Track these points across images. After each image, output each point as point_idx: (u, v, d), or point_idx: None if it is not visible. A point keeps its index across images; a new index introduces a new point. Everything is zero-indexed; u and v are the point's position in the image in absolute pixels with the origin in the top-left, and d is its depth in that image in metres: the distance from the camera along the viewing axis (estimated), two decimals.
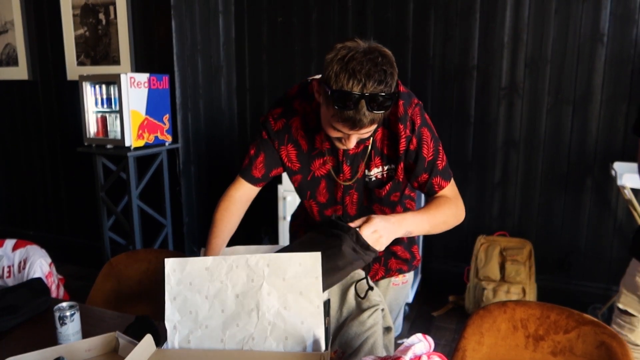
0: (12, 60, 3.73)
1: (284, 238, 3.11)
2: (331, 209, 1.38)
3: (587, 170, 2.91)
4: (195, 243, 3.47)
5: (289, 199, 3.06)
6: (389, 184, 1.32)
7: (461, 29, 3.01)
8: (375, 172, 1.31)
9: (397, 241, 1.45)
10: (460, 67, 3.06)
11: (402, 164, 1.29)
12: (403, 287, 1.55)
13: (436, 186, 1.29)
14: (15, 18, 3.63)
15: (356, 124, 1.07)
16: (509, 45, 2.95)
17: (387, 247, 1.40)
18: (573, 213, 2.97)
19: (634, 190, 2.52)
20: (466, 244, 3.18)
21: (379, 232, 1.11)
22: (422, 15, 3.05)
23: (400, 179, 1.32)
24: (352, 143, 1.17)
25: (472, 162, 3.14)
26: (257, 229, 3.55)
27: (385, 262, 1.48)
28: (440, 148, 1.30)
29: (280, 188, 3.09)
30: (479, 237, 3.08)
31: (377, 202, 1.37)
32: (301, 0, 3.40)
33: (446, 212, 1.26)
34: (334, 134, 1.16)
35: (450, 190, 1.31)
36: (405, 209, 1.46)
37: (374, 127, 1.12)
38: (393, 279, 1.51)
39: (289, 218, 3.08)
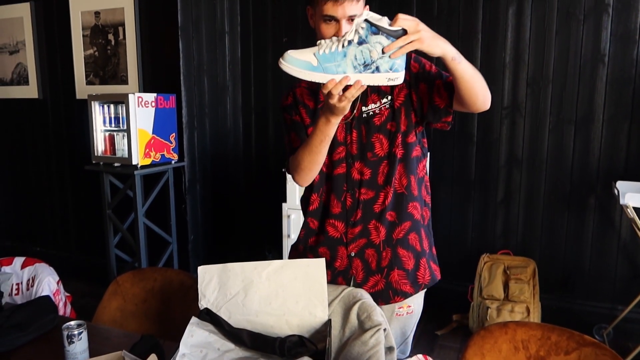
0: (22, 80, 3.80)
1: (288, 256, 3.12)
2: (337, 149, 1.43)
3: (590, 189, 2.92)
4: (200, 261, 3.49)
5: (293, 217, 3.08)
6: (386, 112, 1.40)
7: (463, 50, 3.02)
8: (372, 107, 1.41)
9: (405, 244, 1.44)
10: None
11: (403, 92, 1.38)
12: (409, 317, 1.51)
13: None
14: (26, 38, 3.72)
15: None
16: (510, 65, 2.99)
17: (392, 250, 1.42)
18: (576, 232, 2.98)
19: (636, 210, 2.52)
20: (470, 262, 3.18)
21: (423, 28, 1.13)
22: None
23: (396, 106, 1.40)
24: (344, 29, 1.26)
25: (475, 180, 3.16)
26: (261, 246, 3.57)
27: (388, 274, 1.44)
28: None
29: (285, 206, 3.11)
30: (482, 256, 3.08)
31: (375, 131, 1.41)
32: (306, 20, 3.45)
33: (482, 78, 1.27)
34: (327, 30, 1.28)
35: None
36: (405, 144, 1.43)
37: (356, 4, 1.26)
38: (397, 308, 1.47)
39: (293, 236, 3.10)
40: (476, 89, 1.25)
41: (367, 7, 1.35)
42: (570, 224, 2.99)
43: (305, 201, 1.54)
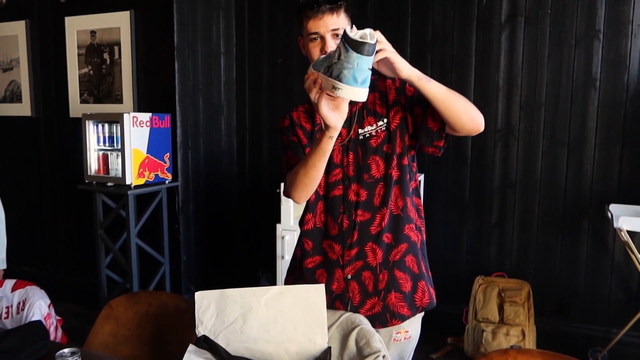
0: (15, 97, 3.78)
1: (281, 278, 3.10)
2: (333, 171, 1.45)
3: (583, 212, 2.93)
4: (192, 282, 3.45)
5: (287, 238, 3.06)
6: (383, 134, 1.42)
7: (457, 73, 3.09)
8: (369, 129, 1.43)
9: (402, 266, 1.44)
10: None
11: (398, 115, 1.41)
12: (406, 342, 1.49)
13: None
14: (20, 56, 3.71)
15: (319, 13, 1.31)
16: (503, 88, 3.03)
17: (389, 272, 1.42)
18: (571, 254, 2.98)
19: (630, 233, 2.54)
20: (464, 284, 3.17)
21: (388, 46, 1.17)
22: (419, 59, 3.13)
23: (392, 128, 1.42)
24: (329, 44, 1.32)
25: (470, 202, 3.17)
26: (254, 267, 3.54)
27: (385, 297, 1.43)
28: None
29: (279, 227, 3.09)
30: (477, 278, 3.07)
31: (372, 153, 1.42)
32: None
33: (464, 98, 1.30)
34: (314, 49, 1.34)
35: None
36: (400, 166, 1.43)
37: (336, 19, 1.32)
38: (394, 333, 1.46)
39: (287, 257, 3.07)
40: (455, 109, 1.27)
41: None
42: (564, 246, 3.00)
43: (300, 220, 1.54)
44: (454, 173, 3.17)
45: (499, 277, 3.08)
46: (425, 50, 3.11)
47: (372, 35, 1.07)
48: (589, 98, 2.86)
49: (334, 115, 1.18)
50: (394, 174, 1.42)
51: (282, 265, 3.09)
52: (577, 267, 2.98)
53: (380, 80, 1.44)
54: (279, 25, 3.56)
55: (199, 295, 1.25)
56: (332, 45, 1.32)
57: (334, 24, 1.32)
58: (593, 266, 2.94)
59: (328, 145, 1.25)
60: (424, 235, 1.53)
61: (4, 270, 2.16)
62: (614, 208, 2.67)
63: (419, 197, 1.52)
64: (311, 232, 1.50)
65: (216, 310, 1.24)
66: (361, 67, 1.06)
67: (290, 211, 3.07)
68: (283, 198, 3.07)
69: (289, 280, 1.59)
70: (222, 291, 1.26)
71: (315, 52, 1.33)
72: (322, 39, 1.33)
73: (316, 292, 1.24)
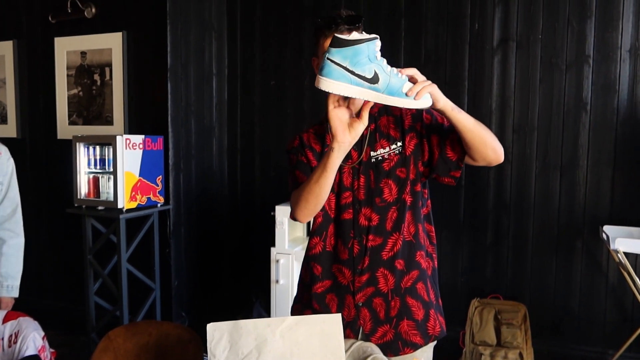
0: (1, 118, 3.69)
1: (276, 302, 3.04)
2: (343, 194, 1.42)
3: (577, 233, 2.96)
4: (183, 308, 3.36)
5: (282, 262, 3.02)
6: (396, 158, 1.40)
7: (450, 96, 3.10)
8: (382, 152, 1.41)
9: (413, 293, 1.42)
10: None
11: (414, 141, 1.40)
12: None
13: None
14: (7, 76, 3.63)
15: (337, 33, 1.24)
16: (496, 111, 3.06)
17: (401, 299, 1.40)
18: (565, 276, 3.00)
19: (626, 255, 2.56)
20: (460, 307, 3.15)
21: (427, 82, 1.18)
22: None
23: (407, 154, 1.40)
24: None
25: (464, 224, 3.17)
26: (247, 292, 3.47)
27: (397, 324, 1.41)
28: None
29: (273, 250, 3.05)
30: (473, 301, 3.06)
31: (384, 176, 1.40)
32: (294, 64, 3.50)
33: (488, 130, 1.31)
34: None
35: None
36: (414, 192, 1.42)
37: (348, 36, 1.29)
38: None
39: (282, 282, 3.03)
40: (482, 139, 1.27)
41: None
42: (558, 267, 3.01)
43: (307, 246, 1.52)
44: (448, 195, 3.18)
45: (495, 299, 3.07)
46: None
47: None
48: (580, 121, 2.91)
49: (343, 128, 1.19)
50: (408, 199, 1.41)
51: (277, 290, 3.04)
52: (572, 288, 2.99)
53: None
54: (271, 47, 3.57)
55: (211, 327, 1.21)
56: None
57: None
58: (587, 287, 2.96)
59: (331, 160, 1.23)
60: (435, 263, 1.51)
61: (15, 298, 2.11)
62: (609, 229, 2.69)
63: (431, 224, 1.50)
64: (320, 256, 1.48)
65: (229, 342, 1.20)
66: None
67: (285, 234, 3.03)
68: (278, 221, 3.03)
69: (297, 308, 1.55)
70: (235, 322, 1.21)
71: None
72: None
73: (332, 323, 1.21)
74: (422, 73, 1.22)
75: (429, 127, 1.40)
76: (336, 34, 1.16)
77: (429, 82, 1.18)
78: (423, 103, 1.17)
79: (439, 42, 3.12)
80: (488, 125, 3.03)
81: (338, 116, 1.19)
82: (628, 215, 2.83)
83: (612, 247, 2.48)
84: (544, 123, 2.98)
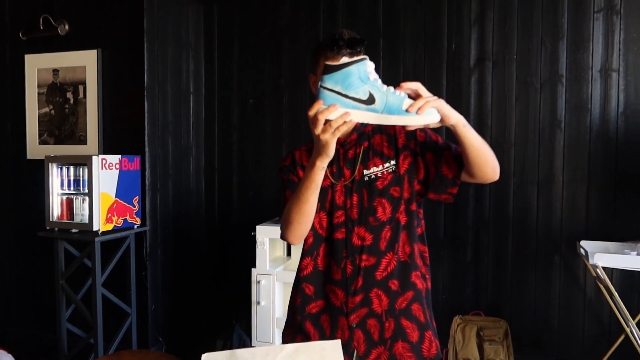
0: None
1: (258, 325, 2.97)
2: (336, 213, 1.40)
3: (554, 249, 3.01)
4: (160, 333, 3.24)
5: (263, 283, 2.96)
6: (390, 176, 1.39)
7: None
8: (375, 170, 1.39)
9: (408, 314, 1.40)
10: None
11: (408, 159, 1.39)
12: None
13: None
14: None
15: (339, 56, 1.30)
16: (475, 129, 3.10)
17: (395, 320, 1.38)
18: (544, 291, 3.03)
19: (605, 270, 2.61)
20: (442, 324, 3.12)
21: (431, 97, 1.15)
22: None
23: (401, 172, 1.39)
24: None
25: (445, 241, 3.19)
26: (228, 314, 3.39)
27: (391, 346, 1.38)
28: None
29: (254, 271, 2.99)
30: (455, 318, 3.06)
31: (378, 195, 1.37)
32: (272, 82, 3.49)
33: (489, 148, 1.30)
34: None
35: None
36: (409, 212, 1.41)
37: (349, 59, 1.26)
38: None
39: (263, 303, 2.96)
40: (486, 158, 1.27)
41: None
42: (537, 282, 3.05)
43: (298, 267, 1.48)
44: (428, 212, 3.18)
45: (476, 315, 3.08)
46: None
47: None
48: (555, 139, 2.98)
49: (333, 142, 1.17)
50: (402, 218, 1.40)
51: (258, 312, 2.97)
52: (551, 303, 3.03)
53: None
54: (249, 64, 3.55)
55: (205, 358, 1.15)
56: None
57: None
58: (566, 302, 3.00)
59: (318, 175, 1.23)
60: (429, 284, 1.49)
61: None
62: (586, 245, 2.75)
63: (425, 244, 1.49)
64: (311, 277, 1.45)
65: None
66: None
67: (266, 254, 2.98)
68: (259, 241, 2.98)
69: (288, 333, 1.51)
70: (231, 352, 1.16)
71: None
72: None
73: (332, 349, 1.17)
74: None
75: (424, 145, 1.39)
76: (327, 62, 1.15)
77: (434, 97, 1.15)
78: (428, 119, 1.13)
79: (417, 62, 3.17)
80: None
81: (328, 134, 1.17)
82: (603, 230, 2.90)
83: (591, 262, 2.53)
84: (520, 140, 3.04)
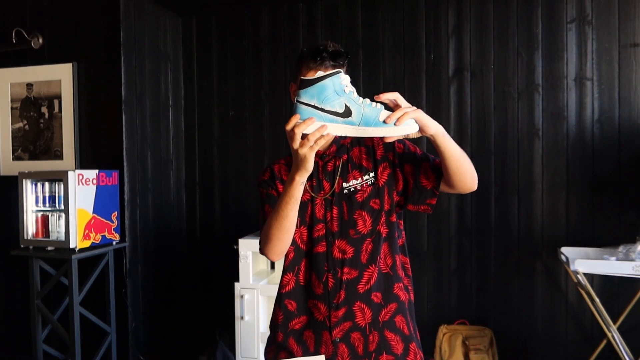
0: None
1: (242, 340, 2.92)
2: (316, 227, 1.39)
3: (536, 256, 3.03)
4: (141, 352, 3.16)
5: (247, 297, 2.91)
6: (369, 189, 1.38)
7: None
8: (354, 183, 1.39)
9: (392, 326, 1.38)
10: None
11: (387, 171, 1.39)
12: None
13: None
14: None
15: (321, 67, 1.29)
16: (455, 138, 3.09)
17: (379, 333, 1.36)
18: (527, 298, 3.05)
19: (585, 275, 2.64)
20: (427, 334, 3.14)
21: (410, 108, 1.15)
22: None
23: (380, 184, 1.38)
24: None
25: (428, 251, 3.19)
26: (211, 330, 3.32)
27: (376, 359, 1.36)
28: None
29: (237, 285, 2.94)
30: (440, 327, 3.06)
31: (358, 208, 1.36)
32: (253, 94, 3.47)
33: (468, 158, 1.31)
34: None
35: None
36: (389, 223, 1.40)
37: (330, 70, 1.25)
38: None
39: (247, 318, 2.92)
40: (465, 168, 1.28)
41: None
42: (520, 290, 3.07)
43: (279, 284, 1.46)
44: (411, 221, 3.20)
45: (462, 324, 3.08)
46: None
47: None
48: (534, 147, 3.02)
49: (311, 157, 1.16)
50: (383, 230, 1.39)
51: (242, 327, 2.92)
52: (534, 310, 3.04)
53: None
54: (229, 76, 3.53)
55: None
56: None
57: None
58: (549, 308, 3.02)
59: (296, 190, 1.22)
60: (412, 295, 1.49)
61: None
62: (567, 251, 2.78)
63: (406, 256, 1.49)
64: (293, 292, 1.43)
65: None
66: None
67: (249, 268, 2.93)
68: (241, 255, 2.94)
69: (270, 350, 1.47)
70: None
71: None
72: None
73: None
74: (381, 102, 1.20)
75: (402, 156, 1.39)
76: (302, 77, 1.17)
77: (413, 107, 1.15)
78: (406, 129, 1.13)
79: (397, 72, 3.19)
80: None
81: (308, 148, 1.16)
82: (583, 236, 2.94)
83: (572, 268, 2.55)
84: (500, 149, 3.07)
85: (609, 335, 2.68)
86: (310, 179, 1.39)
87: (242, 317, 2.92)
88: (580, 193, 2.96)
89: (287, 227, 1.27)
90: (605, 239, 2.87)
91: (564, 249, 2.81)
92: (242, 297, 2.92)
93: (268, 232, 1.31)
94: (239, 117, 3.51)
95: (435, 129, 1.18)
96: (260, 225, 1.42)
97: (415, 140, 1.28)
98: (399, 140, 1.39)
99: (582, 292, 2.76)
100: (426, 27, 3.16)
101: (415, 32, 3.17)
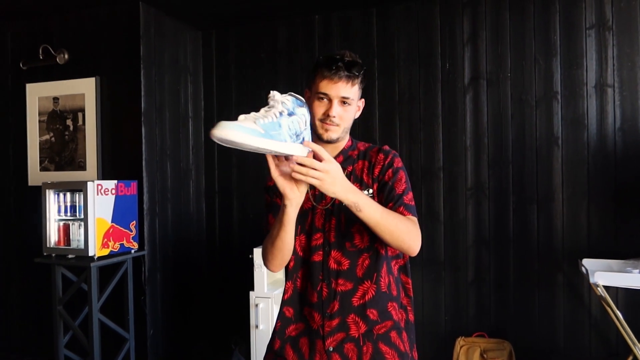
0: None
1: (256, 349, 2.94)
2: (315, 235, 1.40)
3: (557, 267, 2.95)
4: (159, 358, 3.21)
5: (261, 306, 2.93)
6: None
7: (425, 133, 3.16)
8: None
9: (387, 340, 1.37)
10: (426, 168, 3.16)
11: (375, 186, 1.39)
12: None
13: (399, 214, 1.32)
14: None
15: (335, 77, 1.30)
16: (471, 147, 3.09)
17: (374, 345, 1.35)
18: (548, 310, 2.97)
19: (606, 288, 2.55)
20: (444, 346, 3.09)
21: (332, 171, 1.14)
22: (387, 120, 3.19)
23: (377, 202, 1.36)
24: (335, 109, 1.32)
25: (445, 261, 3.14)
26: (226, 339, 3.35)
27: None
28: (411, 195, 1.39)
29: (252, 294, 2.96)
30: (457, 339, 3.00)
31: (356, 222, 1.34)
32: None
33: (401, 221, 1.28)
34: (318, 108, 1.33)
35: (412, 219, 1.34)
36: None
37: (349, 87, 1.32)
38: None
39: (262, 327, 2.93)
40: (384, 236, 1.26)
41: (363, 101, 1.43)
42: (541, 302, 2.98)
43: (284, 291, 1.48)
44: (427, 231, 3.16)
45: (480, 337, 3.02)
46: (393, 111, 3.18)
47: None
48: (553, 155, 2.95)
49: (291, 186, 1.19)
50: (381, 249, 1.39)
51: (257, 336, 2.94)
52: (556, 323, 2.95)
53: (372, 150, 1.44)
54: (247, 88, 3.59)
55: None
56: (337, 110, 1.32)
57: (345, 92, 1.32)
58: (571, 322, 2.93)
59: (287, 217, 1.24)
60: (411, 316, 1.47)
61: None
62: (588, 263, 2.69)
63: (408, 276, 1.48)
64: (291, 299, 1.45)
65: None
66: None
67: (264, 277, 2.96)
68: (256, 264, 2.96)
69: (268, 358, 1.48)
70: None
71: (319, 111, 1.33)
72: (330, 101, 1.32)
73: None
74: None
75: (383, 185, 1.39)
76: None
77: (321, 173, 1.14)
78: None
79: (412, 81, 3.18)
80: (463, 161, 3.07)
81: (282, 175, 1.18)
82: (606, 247, 2.84)
83: (592, 280, 2.47)
84: (518, 158, 3.01)
85: (635, 351, 2.57)
86: (313, 187, 1.40)
87: (257, 326, 2.94)
88: (602, 203, 2.87)
89: (282, 247, 1.31)
90: (628, 250, 2.77)
91: (585, 261, 2.72)
92: (257, 306, 2.94)
93: (266, 249, 1.35)
94: None
95: (346, 200, 1.19)
96: (264, 232, 1.44)
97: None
98: (393, 170, 1.39)
99: (606, 305, 2.66)
100: (441, 36, 3.14)
101: (430, 40, 3.16)
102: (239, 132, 1.04)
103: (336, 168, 1.15)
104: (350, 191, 1.18)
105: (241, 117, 1.10)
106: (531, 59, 2.97)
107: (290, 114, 1.15)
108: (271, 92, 1.19)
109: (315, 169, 1.12)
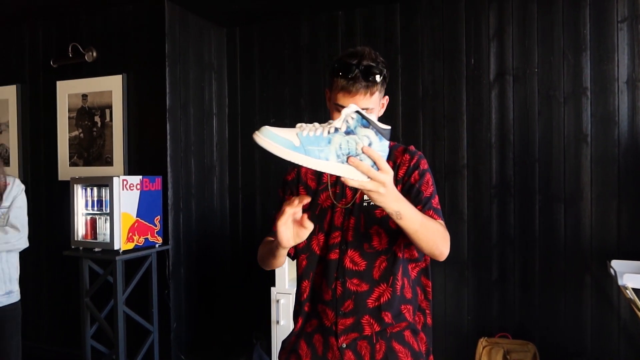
0: (3, 161, 3.71)
1: (277, 344, 2.96)
2: (333, 234, 1.38)
3: (585, 268, 2.87)
4: (182, 351, 3.27)
5: (282, 302, 2.95)
6: None
7: (449, 130, 3.11)
8: None
9: (400, 339, 1.36)
10: (450, 165, 3.12)
11: (399, 188, 1.34)
12: None
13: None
14: (10, 120, 3.68)
15: (352, 89, 1.25)
16: (496, 145, 3.03)
17: (387, 343, 1.34)
18: (575, 312, 2.89)
19: (635, 290, 2.47)
20: (467, 347, 3.05)
21: (387, 182, 1.05)
22: (411, 117, 3.16)
23: None
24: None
25: (468, 260, 3.10)
26: (248, 333, 3.38)
27: None
28: (437, 198, 1.36)
29: (274, 290, 2.98)
30: (480, 340, 2.96)
31: (375, 223, 1.33)
32: (293, 102, 3.52)
33: (436, 226, 1.25)
34: (337, 116, 1.26)
35: (442, 223, 1.32)
36: (408, 245, 1.36)
37: (368, 98, 1.27)
38: None
39: (283, 322, 2.95)
40: (427, 241, 1.21)
41: (387, 98, 1.38)
42: (567, 303, 2.91)
43: (297, 292, 1.47)
44: (450, 230, 3.08)
45: (503, 337, 2.97)
46: (417, 108, 3.14)
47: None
48: (582, 153, 2.87)
49: (288, 238, 1.17)
50: (400, 252, 1.36)
51: (278, 331, 2.96)
52: (583, 325, 2.88)
53: (398, 150, 1.41)
54: (271, 85, 3.60)
55: None
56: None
57: (364, 104, 1.26)
58: (599, 324, 2.85)
59: (279, 252, 1.26)
60: (429, 319, 1.44)
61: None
62: (617, 264, 2.61)
63: (428, 278, 1.45)
64: (309, 297, 1.44)
65: None
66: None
67: (285, 274, 2.97)
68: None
69: (282, 354, 1.49)
70: None
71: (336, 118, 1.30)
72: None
73: None
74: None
75: (409, 188, 1.35)
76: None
77: (375, 184, 1.05)
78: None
79: (436, 78, 3.14)
80: (488, 158, 3.02)
81: (285, 229, 1.17)
82: (636, 249, 2.75)
83: (620, 282, 2.40)
84: (544, 155, 2.94)
85: None
86: (334, 185, 1.40)
87: (277, 322, 2.96)
88: (634, 202, 2.78)
89: (270, 266, 1.38)
90: None
91: (613, 262, 2.64)
92: (277, 301, 2.96)
93: (260, 254, 1.42)
94: (280, 124, 3.56)
95: (391, 211, 1.12)
96: (268, 230, 1.44)
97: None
98: (420, 172, 1.36)
99: (635, 308, 2.58)
100: (466, 31, 3.08)
101: (455, 36, 3.11)
102: (270, 141, 1.03)
103: (390, 179, 1.08)
104: (396, 200, 1.12)
105: (298, 125, 1.08)
106: (559, 54, 2.89)
107: (348, 132, 1.06)
108: (348, 106, 1.09)
109: (371, 178, 1.05)
